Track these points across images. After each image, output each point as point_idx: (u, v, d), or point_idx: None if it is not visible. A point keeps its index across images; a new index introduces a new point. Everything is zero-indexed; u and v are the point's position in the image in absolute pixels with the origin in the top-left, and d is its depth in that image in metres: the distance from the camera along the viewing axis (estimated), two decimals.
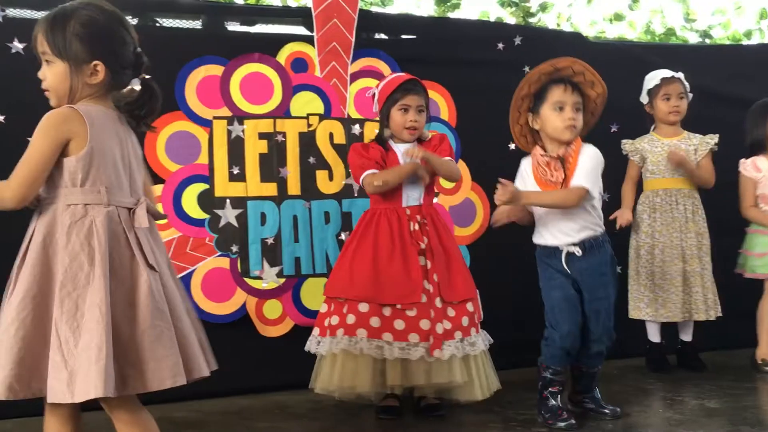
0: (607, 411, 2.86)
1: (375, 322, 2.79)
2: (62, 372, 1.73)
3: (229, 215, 3.30)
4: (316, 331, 2.95)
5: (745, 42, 4.83)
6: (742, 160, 3.75)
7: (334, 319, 2.86)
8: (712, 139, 3.65)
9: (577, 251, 2.77)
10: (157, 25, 3.33)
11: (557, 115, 2.76)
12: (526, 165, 2.90)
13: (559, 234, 2.80)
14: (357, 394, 2.88)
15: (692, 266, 3.57)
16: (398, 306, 2.80)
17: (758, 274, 3.68)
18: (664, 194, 3.62)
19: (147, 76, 1.97)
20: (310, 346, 2.94)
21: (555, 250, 2.80)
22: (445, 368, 2.79)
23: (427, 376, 2.79)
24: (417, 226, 2.91)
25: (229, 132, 3.33)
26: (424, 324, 2.79)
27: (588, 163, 2.75)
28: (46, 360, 1.76)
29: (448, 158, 2.99)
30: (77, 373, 1.72)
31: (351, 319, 2.82)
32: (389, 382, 2.81)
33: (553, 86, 2.78)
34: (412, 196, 2.96)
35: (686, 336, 3.71)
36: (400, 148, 2.99)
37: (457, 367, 2.80)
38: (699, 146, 3.66)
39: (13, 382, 1.74)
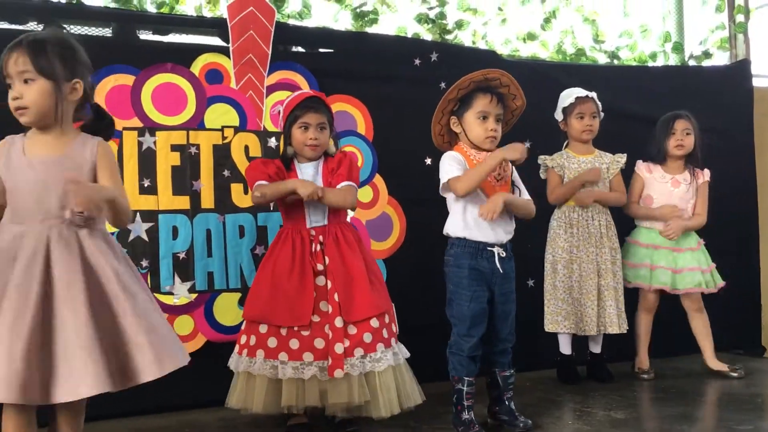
0: (520, 424, 2.90)
1: (272, 342, 2.82)
2: None
3: (139, 229, 3.21)
4: (235, 348, 2.97)
5: (650, 63, 5.03)
6: (639, 161, 3.91)
7: (243, 339, 2.92)
8: (622, 159, 3.81)
9: (501, 252, 2.87)
10: (65, 31, 3.21)
11: (480, 124, 2.87)
12: (460, 158, 2.90)
13: (491, 232, 2.86)
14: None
15: (606, 280, 3.68)
16: (295, 327, 2.81)
17: (627, 283, 3.82)
18: (580, 210, 3.72)
19: (96, 102, 2.21)
20: (230, 362, 2.97)
21: (483, 249, 2.84)
22: (343, 387, 2.77)
23: (323, 396, 2.78)
24: (319, 247, 2.91)
25: (140, 143, 3.24)
26: (318, 343, 2.79)
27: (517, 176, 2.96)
28: None
29: (343, 183, 2.95)
30: None
31: (252, 340, 2.86)
32: (283, 403, 2.78)
33: (480, 95, 2.87)
34: (314, 218, 2.95)
35: (596, 348, 3.81)
36: (302, 168, 2.99)
37: (355, 386, 2.77)
38: (611, 165, 3.80)
39: None
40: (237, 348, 2.95)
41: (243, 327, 2.96)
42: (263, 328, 2.85)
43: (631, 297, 3.87)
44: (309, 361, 2.78)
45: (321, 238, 2.92)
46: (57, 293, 1.96)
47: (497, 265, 2.85)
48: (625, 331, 3.70)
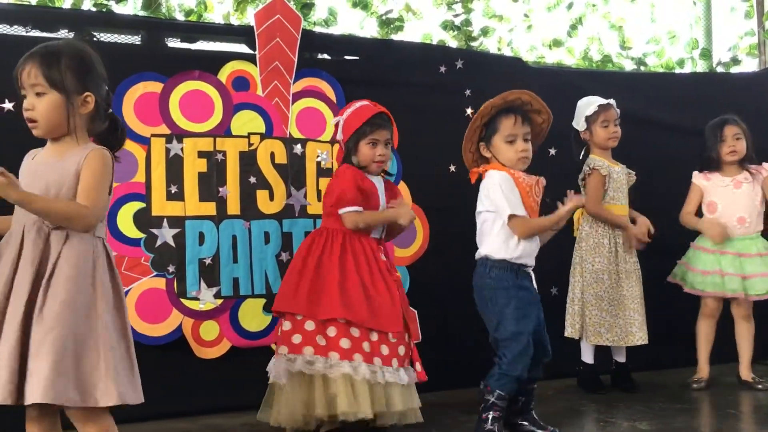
0: None
1: (366, 347, 2.81)
2: None
3: (166, 235, 3.25)
4: (284, 349, 2.85)
5: (677, 70, 4.99)
6: (695, 172, 3.86)
7: (320, 339, 2.81)
8: (632, 175, 3.81)
9: (532, 273, 2.90)
10: (95, 39, 3.26)
11: (509, 147, 2.87)
12: (512, 183, 2.86)
13: (531, 255, 2.89)
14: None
15: (639, 290, 3.67)
16: (389, 334, 2.85)
17: (698, 290, 3.77)
18: (631, 232, 3.68)
19: (112, 113, 2.19)
20: (277, 366, 2.86)
21: (522, 269, 2.86)
22: (409, 392, 2.87)
23: (400, 400, 2.83)
24: (384, 257, 2.98)
25: (168, 150, 3.28)
26: (401, 350, 2.88)
27: None
28: None
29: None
30: None
31: (346, 343, 2.79)
32: (377, 409, 2.77)
33: (504, 118, 2.86)
34: (377, 230, 3.01)
35: (620, 357, 3.78)
36: (376, 182, 3.03)
37: (414, 393, 2.89)
38: (628, 179, 3.78)
39: None
40: (285, 349, 2.83)
41: (313, 327, 2.81)
42: (355, 332, 2.81)
43: (663, 305, 3.84)
44: (396, 367, 2.83)
45: (382, 248, 3.00)
46: (14, 290, 1.96)
47: (533, 284, 2.88)
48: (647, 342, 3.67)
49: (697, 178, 3.86)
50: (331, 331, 2.80)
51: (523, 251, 2.85)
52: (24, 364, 1.89)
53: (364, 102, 3.08)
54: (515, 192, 2.82)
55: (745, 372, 3.79)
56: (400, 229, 3.05)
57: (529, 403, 2.93)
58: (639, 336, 3.61)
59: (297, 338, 2.82)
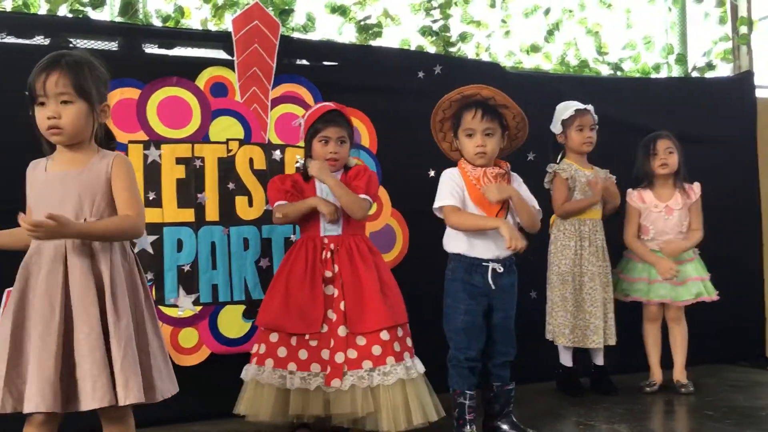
0: None
1: (282, 352, 2.84)
2: None
3: (143, 242, 3.23)
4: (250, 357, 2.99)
5: (653, 75, 5.04)
6: (629, 190, 3.90)
7: (254, 348, 2.95)
8: (612, 178, 3.84)
9: (500, 268, 2.88)
10: (71, 46, 3.24)
11: (468, 141, 2.90)
12: (458, 177, 2.92)
13: (487, 249, 2.88)
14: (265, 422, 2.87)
15: (608, 294, 3.71)
16: (306, 336, 2.84)
17: (624, 297, 3.84)
18: (591, 223, 3.73)
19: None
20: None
21: (479, 264, 2.86)
22: (346, 398, 2.78)
23: (326, 406, 2.80)
24: (329, 255, 2.93)
25: (146, 156, 3.26)
26: (324, 354, 2.83)
27: (525, 188, 2.97)
28: None
29: (363, 196, 2.99)
30: None
31: (262, 348, 2.89)
32: (291, 412, 2.81)
33: (465, 112, 2.91)
34: (329, 227, 2.97)
35: (599, 360, 3.81)
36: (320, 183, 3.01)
37: (359, 398, 2.78)
38: (606, 181, 3.81)
39: None
40: (250, 357, 2.97)
41: (255, 336, 3.01)
42: (274, 337, 2.87)
43: (636, 311, 3.87)
44: (316, 372, 2.81)
45: (333, 246, 2.95)
46: (74, 304, 2.02)
47: (489, 280, 2.86)
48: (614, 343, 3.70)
49: (633, 199, 3.88)
50: (261, 338, 2.92)
51: (471, 245, 2.86)
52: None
53: (324, 103, 3.11)
54: (453, 187, 2.87)
55: (678, 375, 3.81)
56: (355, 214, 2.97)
57: (507, 406, 2.95)
58: (593, 339, 3.63)
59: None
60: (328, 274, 2.90)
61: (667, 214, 3.83)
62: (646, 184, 3.89)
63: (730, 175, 4.49)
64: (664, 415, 3.41)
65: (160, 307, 3.23)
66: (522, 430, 2.94)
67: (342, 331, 2.84)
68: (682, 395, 3.69)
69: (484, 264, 2.87)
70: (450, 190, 2.87)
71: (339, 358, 2.81)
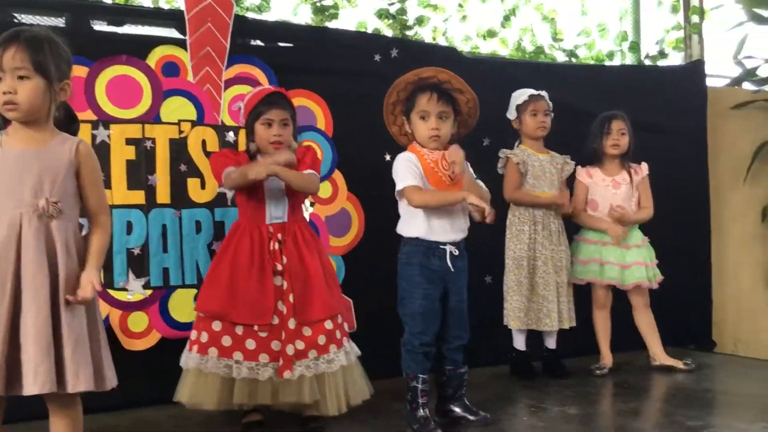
0: (477, 417, 2.93)
1: (226, 341, 2.79)
2: None
3: None
4: (188, 344, 2.91)
5: (607, 62, 5.09)
6: (578, 167, 3.95)
7: (194, 335, 2.87)
8: (571, 164, 3.87)
9: (455, 251, 2.86)
10: (16, 21, 3.13)
11: (422, 124, 2.87)
12: (414, 159, 2.89)
13: (444, 232, 2.87)
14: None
15: (562, 277, 3.75)
16: (254, 327, 2.79)
17: (578, 279, 3.89)
18: (544, 207, 3.75)
19: (67, 102, 2.24)
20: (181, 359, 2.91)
21: (436, 248, 2.85)
22: (293, 387, 2.78)
23: (274, 395, 2.78)
24: (277, 245, 2.88)
25: (94, 136, 3.17)
26: (275, 345, 2.79)
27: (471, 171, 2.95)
28: None
29: (308, 171, 2.95)
30: None
31: (204, 336, 2.81)
32: (236, 401, 2.78)
33: (419, 94, 2.88)
34: (275, 214, 2.92)
35: (551, 343, 3.85)
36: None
37: (306, 386, 2.79)
38: (564, 167, 3.85)
39: None
40: (188, 345, 2.90)
41: (195, 322, 2.91)
42: (217, 326, 2.80)
43: (587, 295, 3.92)
44: (264, 363, 2.77)
45: (280, 235, 2.90)
46: (24, 283, 1.99)
47: (449, 263, 2.86)
48: (574, 326, 3.74)
49: (581, 175, 3.94)
50: (201, 325, 2.84)
51: (430, 228, 2.85)
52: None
53: (265, 86, 3.06)
54: (411, 168, 2.84)
55: (663, 357, 3.90)
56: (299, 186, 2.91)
57: (460, 389, 2.96)
58: (546, 323, 3.68)
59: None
60: (278, 266, 2.86)
61: (614, 187, 3.89)
62: (595, 162, 3.94)
63: (680, 163, 4.56)
64: (613, 397, 3.46)
65: (109, 291, 3.16)
66: (474, 413, 2.95)
67: (292, 323, 2.82)
68: (661, 377, 3.75)
69: (441, 247, 2.86)
70: (408, 171, 2.84)
71: (290, 350, 2.79)
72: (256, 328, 2.79)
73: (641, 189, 3.93)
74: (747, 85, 5.22)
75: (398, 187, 2.86)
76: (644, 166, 3.95)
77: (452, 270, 2.86)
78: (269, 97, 2.94)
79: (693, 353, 4.28)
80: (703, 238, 4.79)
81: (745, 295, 5.00)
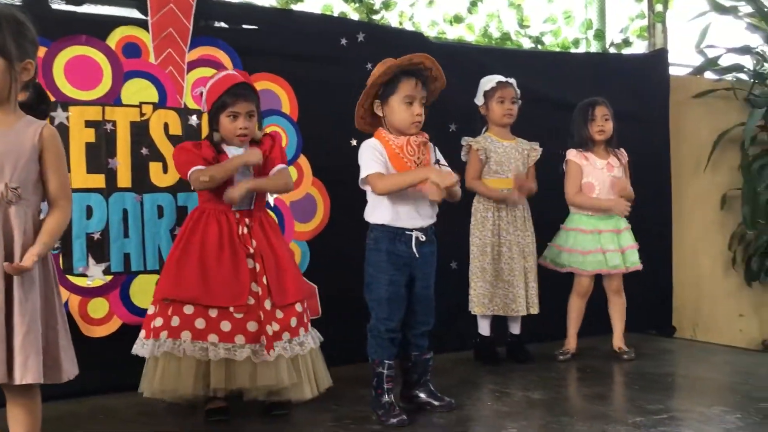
0: (442, 403, 2.94)
1: (200, 323, 2.75)
2: None
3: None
4: (142, 333, 2.86)
5: (573, 50, 5.12)
6: (570, 150, 3.94)
7: (158, 321, 2.79)
8: (538, 150, 3.86)
9: (422, 236, 2.86)
10: (13, 6, 3.03)
11: (406, 109, 2.84)
12: (380, 147, 2.87)
13: (410, 218, 2.85)
14: (182, 397, 2.80)
15: (529, 263, 3.77)
16: (230, 308, 2.76)
17: (585, 271, 3.87)
18: (508, 194, 3.76)
19: (38, 82, 2.21)
20: (136, 348, 2.85)
21: (402, 233, 2.84)
22: (272, 370, 2.77)
23: (252, 378, 2.76)
24: (245, 230, 2.86)
25: (52, 118, 3.09)
26: (251, 326, 2.77)
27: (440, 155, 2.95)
28: None
29: (279, 167, 2.94)
30: None
31: (175, 321, 2.76)
32: (213, 385, 2.75)
33: (405, 79, 2.84)
34: (242, 202, 2.88)
35: (515, 329, 3.87)
36: (232, 152, 2.91)
37: (284, 369, 2.78)
38: (530, 153, 3.85)
39: None
40: (145, 333, 2.83)
41: (156, 310, 2.83)
42: (189, 309, 2.76)
43: (564, 280, 3.94)
44: (241, 344, 2.74)
45: (247, 221, 2.88)
46: None
47: (414, 249, 2.85)
48: (537, 312, 3.77)
49: (576, 156, 3.92)
50: (169, 311, 2.78)
51: (396, 214, 2.84)
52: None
53: (229, 71, 3.00)
54: (375, 156, 2.82)
55: (617, 342, 3.94)
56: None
57: (425, 375, 2.97)
58: (512, 308, 3.70)
59: (151, 324, 2.83)
60: (250, 249, 2.84)
61: (608, 170, 3.90)
62: (584, 149, 3.94)
63: (643, 151, 4.59)
64: (576, 382, 3.50)
65: (68, 277, 3.10)
66: (439, 398, 2.96)
67: (267, 304, 2.81)
68: (623, 361, 3.79)
69: (407, 233, 2.85)
70: (372, 158, 2.82)
71: (269, 331, 2.78)
72: (231, 309, 2.76)
73: (625, 174, 3.96)
74: (709, 74, 5.29)
75: (362, 175, 2.84)
76: (623, 151, 3.97)
77: (417, 256, 2.85)
78: (235, 89, 2.87)
79: (654, 339, 4.35)
80: (665, 224, 4.86)
81: (704, 281, 5.09)
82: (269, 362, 2.75)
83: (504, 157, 3.78)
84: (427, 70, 2.89)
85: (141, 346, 2.83)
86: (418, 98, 2.85)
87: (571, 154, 3.93)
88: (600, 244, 3.85)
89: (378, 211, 2.88)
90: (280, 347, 2.79)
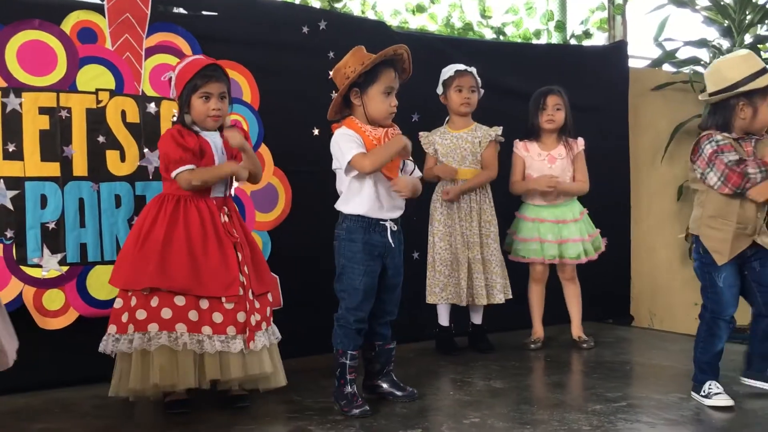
0: (404, 393, 2.94)
1: (193, 315, 2.69)
2: None
3: (2, 197, 2.99)
4: (112, 328, 2.73)
5: (534, 41, 5.15)
6: (516, 141, 3.98)
7: (141, 314, 2.68)
8: (495, 131, 3.85)
9: (394, 227, 2.88)
10: None
11: (384, 99, 2.83)
12: (355, 135, 2.83)
13: (386, 209, 2.86)
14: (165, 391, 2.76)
15: (489, 253, 3.77)
16: (222, 299, 2.72)
17: (520, 257, 3.94)
18: (461, 185, 3.76)
19: None
20: (106, 346, 2.73)
21: (377, 224, 2.83)
22: (256, 359, 2.77)
23: (244, 368, 2.74)
24: (226, 218, 2.84)
25: (4, 105, 3.01)
26: (240, 317, 2.75)
27: None
28: None
29: None
30: None
31: (167, 313, 2.67)
32: (209, 377, 2.71)
33: (385, 70, 2.83)
34: (218, 188, 2.86)
35: (477, 319, 3.89)
36: (210, 137, 2.86)
37: (266, 357, 2.80)
38: (482, 138, 3.84)
39: None
40: (116, 327, 2.71)
41: (135, 302, 2.70)
42: (180, 300, 2.69)
43: (523, 269, 3.97)
44: (233, 335, 2.72)
45: (225, 209, 2.86)
46: None
47: (389, 239, 2.85)
48: (503, 302, 3.79)
49: (518, 148, 3.97)
50: (154, 302, 2.69)
51: (373, 204, 2.83)
52: None
53: (198, 56, 2.96)
54: (353, 140, 2.80)
55: (576, 331, 3.99)
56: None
57: (387, 365, 2.97)
58: (464, 298, 3.71)
59: (125, 317, 2.71)
60: (237, 238, 2.82)
61: (549, 162, 3.93)
62: (533, 137, 3.97)
63: (602, 142, 4.65)
64: (537, 371, 3.53)
65: (23, 268, 3.02)
66: (402, 388, 2.96)
67: (251, 294, 2.81)
68: (582, 350, 3.84)
69: (382, 223, 2.85)
70: (351, 142, 2.78)
71: (253, 321, 2.77)
72: (223, 300, 2.72)
73: (577, 164, 3.97)
74: (667, 67, 5.36)
75: (345, 159, 2.77)
76: (580, 141, 3.98)
77: (392, 246, 2.86)
78: (206, 70, 2.83)
79: (612, 327, 4.41)
80: (623, 214, 4.92)
81: (660, 271, 5.17)
82: (255, 352, 2.75)
83: (450, 148, 3.79)
84: (404, 61, 2.88)
85: (113, 342, 2.71)
86: (395, 89, 2.85)
87: (516, 146, 3.97)
88: (539, 233, 3.90)
89: (355, 201, 2.85)
90: (263, 336, 2.79)
